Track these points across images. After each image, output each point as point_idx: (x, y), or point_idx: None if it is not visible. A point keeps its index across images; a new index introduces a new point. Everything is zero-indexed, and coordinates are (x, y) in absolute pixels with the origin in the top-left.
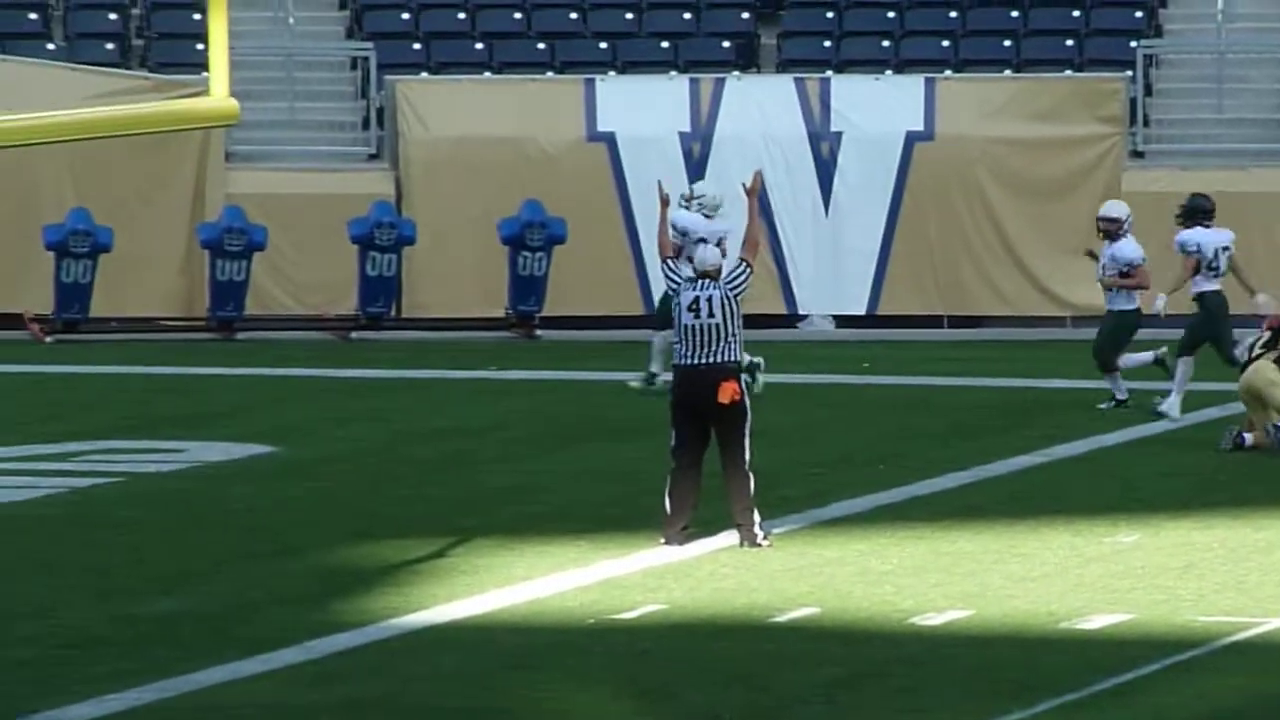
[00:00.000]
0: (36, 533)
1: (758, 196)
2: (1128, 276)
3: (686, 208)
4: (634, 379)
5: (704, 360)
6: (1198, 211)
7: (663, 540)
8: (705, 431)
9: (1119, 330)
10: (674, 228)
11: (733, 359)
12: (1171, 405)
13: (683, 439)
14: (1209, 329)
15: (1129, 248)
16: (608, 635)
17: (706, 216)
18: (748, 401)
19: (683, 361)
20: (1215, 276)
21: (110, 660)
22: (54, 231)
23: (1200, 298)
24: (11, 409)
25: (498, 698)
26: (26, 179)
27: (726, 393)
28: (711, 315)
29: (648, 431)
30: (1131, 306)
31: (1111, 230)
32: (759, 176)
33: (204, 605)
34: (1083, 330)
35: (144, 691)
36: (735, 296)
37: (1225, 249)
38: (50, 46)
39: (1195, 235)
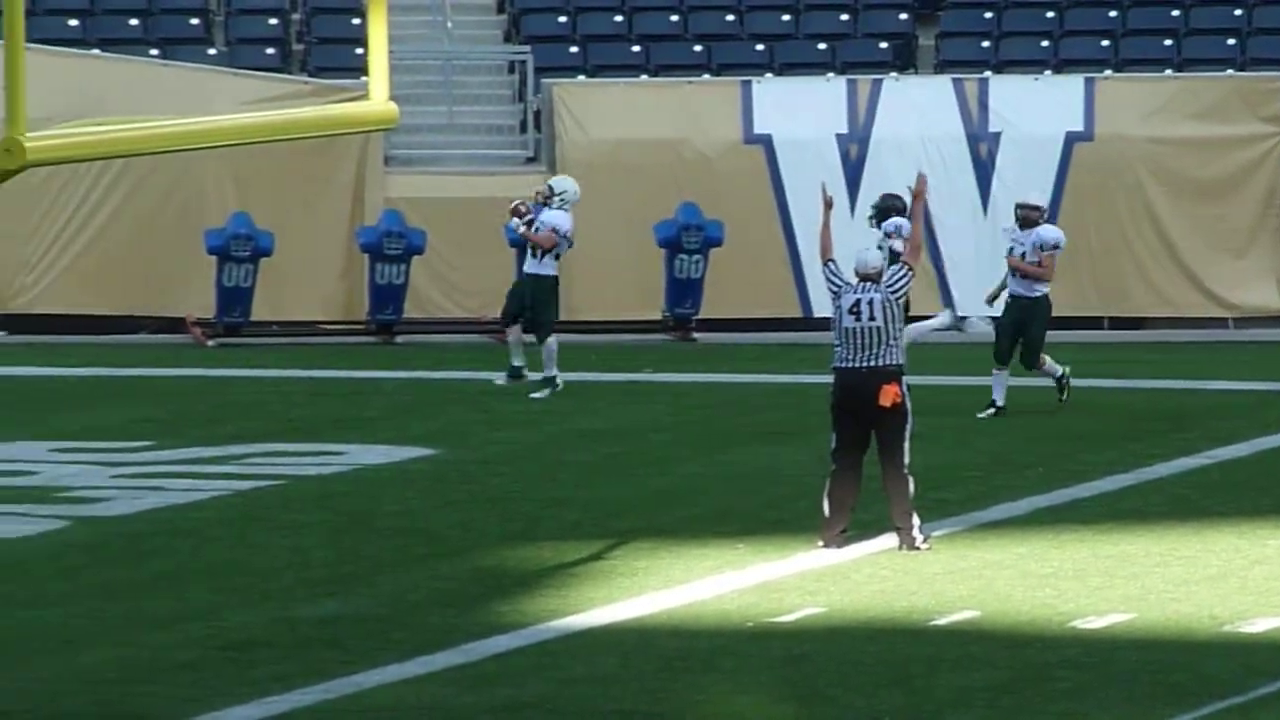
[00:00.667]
0: (200, 535)
1: (923, 200)
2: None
3: (547, 205)
4: (500, 377)
5: (865, 363)
6: (891, 211)
7: (821, 543)
8: (865, 434)
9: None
10: (553, 229)
11: (894, 362)
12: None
13: (842, 441)
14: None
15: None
16: (766, 638)
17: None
18: (909, 404)
19: (844, 364)
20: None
21: (271, 662)
22: (215, 236)
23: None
24: (174, 412)
25: (656, 700)
26: (189, 184)
27: (888, 396)
28: (873, 319)
29: (804, 434)
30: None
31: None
32: (924, 180)
33: (364, 608)
34: (1245, 332)
35: (305, 694)
36: (896, 299)
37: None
38: (211, 51)
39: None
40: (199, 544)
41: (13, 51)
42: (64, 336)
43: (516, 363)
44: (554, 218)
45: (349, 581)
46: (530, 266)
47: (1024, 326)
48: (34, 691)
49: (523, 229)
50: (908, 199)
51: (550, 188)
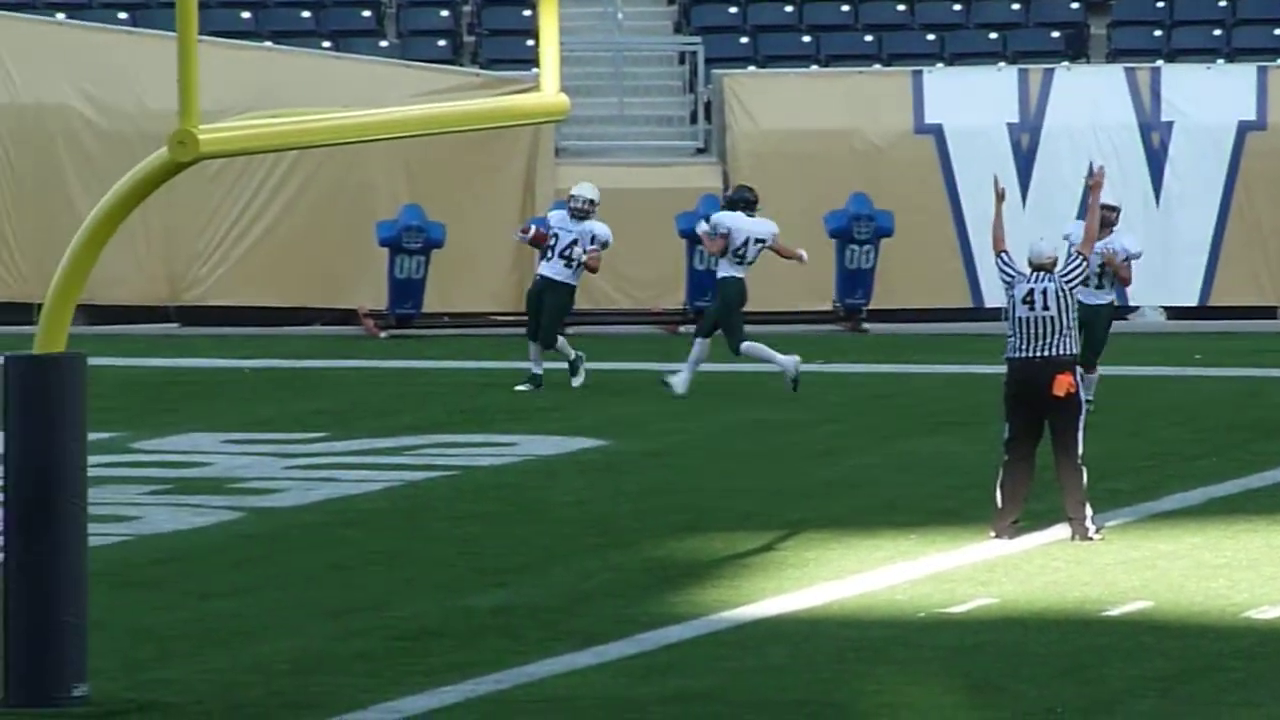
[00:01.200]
0: (372, 526)
1: (1099, 191)
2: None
3: (587, 216)
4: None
5: (1039, 353)
6: (739, 202)
7: (992, 534)
8: (1038, 424)
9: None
10: (604, 244)
11: (1068, 352)
12: (680, 381)
13: (1015, 431)
14: (725, 314)
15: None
16: (938, 629)
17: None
18: (1082, 394)
19: (1016, 354)
20: (740, 264)
21: (445, 652)
22: (387, 228)
23: (721, 283)
24: (347, 404)
25: (828, 691)
26: (360, 176)
27: (1062, 385)
28: (1046, 308)
29: (975, 424)
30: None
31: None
32: (1102, 171)
33: (536, 598)
34: None
35: (479, 683)
36: (1071, 289)
37: (760, 241)
38: (383, 44)
39: (729, 219)
40: (371, 534)
41: (186, 45)
42: (237, 328)
43: (539, 371)
44: (602, 230)
45: (521, 571)
46: (550, 271)
47: (1090, 328)
48: (209, 683)
49: (593, 251)
50: (1078, 191)
51: (589, 199)
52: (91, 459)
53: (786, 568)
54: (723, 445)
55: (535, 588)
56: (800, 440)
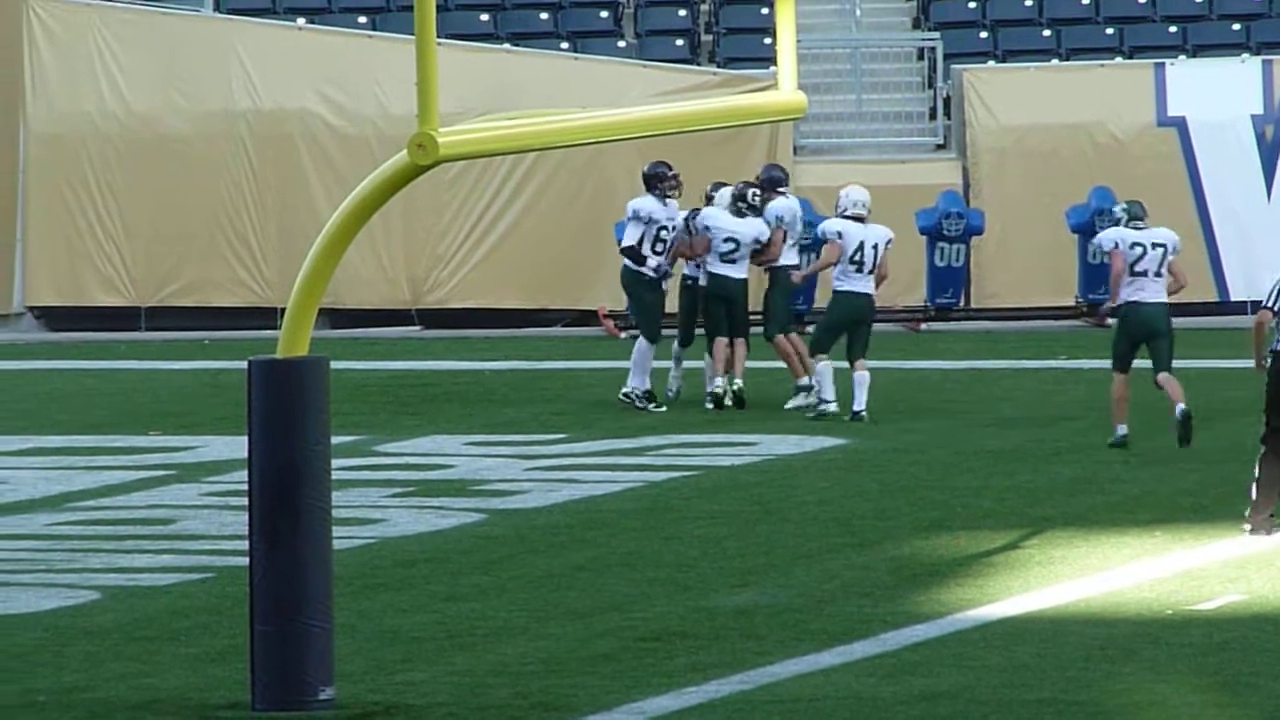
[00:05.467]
0: (615, 527)
1: None
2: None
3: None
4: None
5: None
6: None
7: (1247, 528)
8: None
9: None
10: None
11: None
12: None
13: (1272, 426)
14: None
15: None
16: (1187, 626)
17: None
18: None
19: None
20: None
21: (688, 653)
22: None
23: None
24: (587, 405)
25: (1077, 689)
26: (598, 177)
27: None
28: None
29: (1221, 418)
30: None
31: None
32: None
33: (779, 598)
34: None
35: (722, 684)
36: None
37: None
38: (621, 44)
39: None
40: (614, 535)
41: (424, 48)
42: (478, 330)
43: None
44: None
45: (764, 571)
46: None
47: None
48: (455, 685)
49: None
50: None
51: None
52: (335, 462)
53: (1032, 565)
54: (965, 443)
55: (778, 588)
56: (1042, 437)
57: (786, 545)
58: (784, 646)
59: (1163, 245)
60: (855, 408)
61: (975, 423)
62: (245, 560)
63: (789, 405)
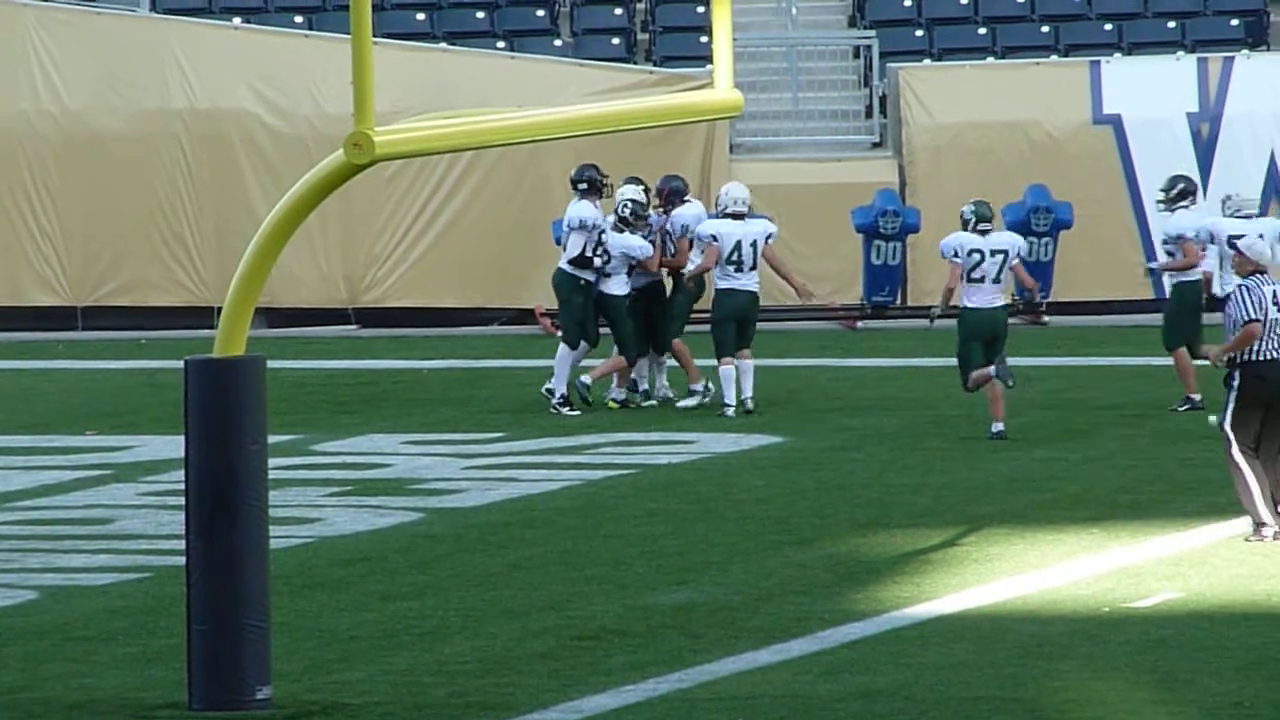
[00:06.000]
0: (553, 525)
1: None
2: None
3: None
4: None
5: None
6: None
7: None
8: (1264, 427)
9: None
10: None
11: None
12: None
13: (1257, 433)
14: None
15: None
16: (1123, 623)
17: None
18: None
19: (1265, 357)
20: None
21: (626, 651)
22: (559, 226)
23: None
24: (525, 403)
25: (1014, 687)
26: (535, 175)
27: None
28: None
29: (1157, 417)
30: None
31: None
32: None
33: (716, 596)
34: None
35: (660, 682)
36: None
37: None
38: (557, 43)
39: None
40: (551, 534)
41: (360, 47)
42: (415, 329)
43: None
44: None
45: (702, 570)
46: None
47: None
48: (393, 683)
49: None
50: (1259, 180)
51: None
52: (272, 461)
53: (969, 563)
54: (902, 441)
55: (716, 586)
56: (981, 434)
57: (724, 543)
58: (722, 645)
59: (1003, 251)
60: (742, 396)
61: (912, 421)
62: (183, 560)
63: (681, 404)
